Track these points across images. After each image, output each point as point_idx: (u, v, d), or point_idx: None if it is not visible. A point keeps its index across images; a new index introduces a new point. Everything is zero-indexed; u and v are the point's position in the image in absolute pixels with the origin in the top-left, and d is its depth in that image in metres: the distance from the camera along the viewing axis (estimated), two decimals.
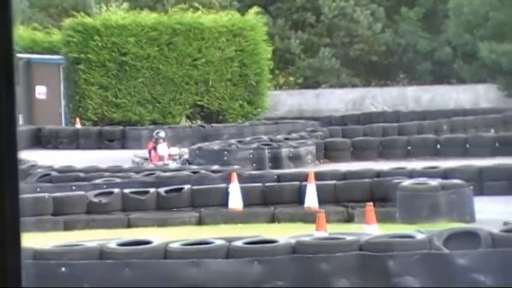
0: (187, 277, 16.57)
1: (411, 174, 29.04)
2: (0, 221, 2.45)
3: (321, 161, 39.53)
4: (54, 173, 30.61)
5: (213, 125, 49.56)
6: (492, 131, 47.22)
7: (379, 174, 29.24)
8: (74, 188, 27.26)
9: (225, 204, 25.33)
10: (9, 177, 2.56)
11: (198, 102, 52.76)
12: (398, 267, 16.53)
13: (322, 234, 19.32)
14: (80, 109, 51.47)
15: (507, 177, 30.95)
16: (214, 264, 16.65)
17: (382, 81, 71.06)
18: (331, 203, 25.07)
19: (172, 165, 35.17)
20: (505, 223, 19.46)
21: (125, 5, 57.43)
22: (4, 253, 2.49)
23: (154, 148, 36.17)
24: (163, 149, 35.57)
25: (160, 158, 35.56)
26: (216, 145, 40.16)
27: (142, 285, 17.12)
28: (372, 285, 17.34)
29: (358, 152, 41.16)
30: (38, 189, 26.99)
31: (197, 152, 38.91)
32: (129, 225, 23.70)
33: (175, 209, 25.24)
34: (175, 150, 37.12)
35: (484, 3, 65.87)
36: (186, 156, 37.65)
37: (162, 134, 37.55)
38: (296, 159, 37.85)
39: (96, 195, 25.42)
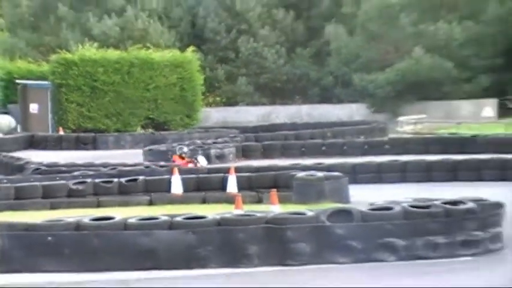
0: (141, 244, 16.72)
1: (304, 168, 28.50)
2: None
3: (240, 159, 39.64)
4: (43, 167, 29.79)
5: (161, 132, 49.50)
6: (362, 137, 47.37)
7: (281, 168, 29.39)
8: (58, 178, 26.47)
9: (169, 190, 25.21)
10: None
11: (150, 116, 53.14)
12: (294, 236, 16.72)
13: (239, 211, 19.53)
14: (63, 120, 51.30)
15: (373, 171, 31.59)
16: (160, 234, 17.08)
17: (284, 101, 74.14)
18: (246, 189, 24.65)
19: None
20: (371, 204, 19.25)
21: (95, 44, 58.12)
22: None
23: (179, 157, 34.79)
24: (203, 160, 34.21)
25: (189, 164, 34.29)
26: (163, 147, 40.24)
27: (107, 250, 17.09)
28: (274, 250, 17.27)
29: (266, 152, 41.22)
30: (32, 179, 27.00)
31: (148, 152, 39.09)
32: (98, 205, 23.58)
33: (132, 194, 25.10)
34: (200, 162, 35.19)
35: (357, 45, 70.81)
36: (203, 163, 34.90)
37: (185, 149, 35.64)
38: (221, 157, 38.07)
39: (74, 184, 25.35)
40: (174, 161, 33.11)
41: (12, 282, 14.64)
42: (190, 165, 32.11)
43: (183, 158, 33.04)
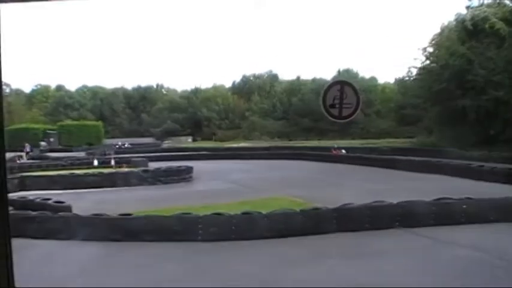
0: (83, 181, 16.67)
1: (136, 157, 26.60)
2: None
3: (115, 156, 29.35)
4: (54, 158, 28.99)
5: (91, 147, 46.76)
6: (154, 147, 43.88)
7: (130, 157, 27.27)
8: (61, 161, 25.36)
9: (92, 164, 23.37)
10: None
11: (89, 142, 51.48)
12: (131, 178, 16.75)
13: (114, 170, 18.90)
14: (60, 142, 51.23)
15: (159, 157, 29.57)
16: (89, 178, 16.69)
17: (130, 137, 61.25)
18: (118, 163, 23.03)
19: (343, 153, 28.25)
20: (155, 167, 18.21)
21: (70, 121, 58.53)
22: None
23: (334, 150, 29.41)
24: (343, 152, 28.97)
25: (339, 153, 28.49)
26: (91, 151, 36.48)
27: (67, 183, 16.13)
28: (121, 182, 16.59)
29: (125, 153, 36.18)
30: (51, 160, 26.61)
31: (87, 153, 35.44)
32: (72, 169, 20.87)
33: (81, 165, 23.17)
34: (343, 151, 29.10)
35: (153, 121, 65.22)
36: (344, 151, 29.12)
37: (336, 146, 30.70)
38: (109, 154, 30.51)
39: (65, 162, 24.20)
40: (332, 153, 28.95)
41: (36, 193, 13.67)
42: (339, 153, 28.39)
43: (336, 150, 29.33)
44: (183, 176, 18.70)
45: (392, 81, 57.87)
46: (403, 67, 63.93)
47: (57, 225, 8.88)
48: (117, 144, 53.31)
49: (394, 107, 52.36)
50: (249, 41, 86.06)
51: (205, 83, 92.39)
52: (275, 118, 64.17)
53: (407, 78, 39.92)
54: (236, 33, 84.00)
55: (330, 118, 3.83)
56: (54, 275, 6.63)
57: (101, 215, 9.10)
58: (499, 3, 27.51)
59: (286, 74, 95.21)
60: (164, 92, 78.57)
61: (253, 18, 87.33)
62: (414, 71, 36.37)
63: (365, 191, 13.68)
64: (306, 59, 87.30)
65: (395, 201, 9.51)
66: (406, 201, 9.54)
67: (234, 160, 30.48)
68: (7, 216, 1.55)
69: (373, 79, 63.40)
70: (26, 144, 40.47)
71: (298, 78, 68.56)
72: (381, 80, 62.53)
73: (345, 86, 3.89)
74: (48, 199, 11.52)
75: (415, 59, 35.18)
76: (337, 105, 3.87)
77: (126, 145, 49.99)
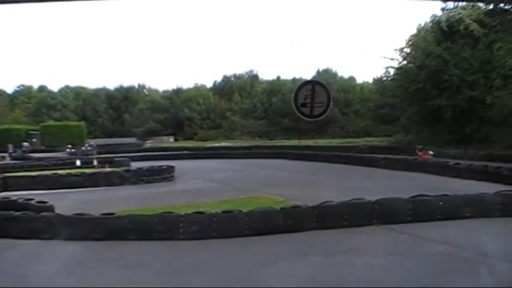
0: (66, 181, 16.44)
1: (119, 156, 26.90)
2: None
3: (97, 154, 30.89)
4: (37, 158, 28.98)
5: (73, 146, 44.50)
6: (137, 146, 44.63)
7: (113, 157, 26.99)
8: (43, 161, 25.07)
9: (75, 164, 23.11)
10: None
11: (71, 142, 48.06)
12: (114, 177, 16.82)
13: (97, 170, 18.52)
14: (43, 143, 50.61)
15: (139, 157, 29.47)
16: (72, 177, 16.48)
17: (110, 137, 61.00)
18: (100, 164, 22.50)
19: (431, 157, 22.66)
20: (138, 167, 18.35)
21: (53, 121, 58.12)
22: None
23: (420, 152, 23.81)
24: (429, 154, 22.73)
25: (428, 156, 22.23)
26: (73, 151, 36.57)
27: (53, 182, 15.92)
28: (112, 180, 16.43)
29: (109, 151, 35.93)
30: (32, 160, 26.75)
31: (68, 153, 35.33)
32: (54, 169, 20.65)
33: (64, 165, 22.77)
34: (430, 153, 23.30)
35: (135, 123, 63.30)
36: (432, 153, 23.80)
37: (420, 146, 26.29)
38: (91, 154, 31.57)
39: (47, 162, 24.08)
40: (418, 155, 24.22)
41: (19, 193, 13.56)
42: (426, 156, 23.93)
43: (421, 151, 25.17)
44: (164, 175, 18.48)
45: (370, 81, 58.26)
46: (381, 67, 64.53)
47: (40, 225, 8.83)
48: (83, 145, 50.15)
49: (372, 107, 53.19)
50: (230, 40, 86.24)
51: (187, 83, 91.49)
52: (256, 118, 63.96)
53: (385, 78, 40.26)
54: (217, 33, 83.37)
55: (301, 117, 3.82)
56: (37, 274, 6.65)
57: (83, 214, 9.06)
58: (473, 5, 28.14)
59: (267, 74, 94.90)
60: (146, 93, 77.77)
61: (234, 18, 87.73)
62: (392, 71, 36.67)
63: (344, 189, 13.68)
64: (286, 59, 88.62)
65: (373, 199, 9.51)
66: (384, 199, 9.54)
67: (215, 159, 30.31)
68: None
69: (351, 79, 63.94)
70: (9, 145, 39.87)
71: (278, 78, 68.70)
72: (360, 80, 62.41)
73: (316, 85, 3.89)
74: (31, 199, 11.44)
75: (392, 59, 35.23)
76: (308, 105, 3.88)
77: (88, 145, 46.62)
